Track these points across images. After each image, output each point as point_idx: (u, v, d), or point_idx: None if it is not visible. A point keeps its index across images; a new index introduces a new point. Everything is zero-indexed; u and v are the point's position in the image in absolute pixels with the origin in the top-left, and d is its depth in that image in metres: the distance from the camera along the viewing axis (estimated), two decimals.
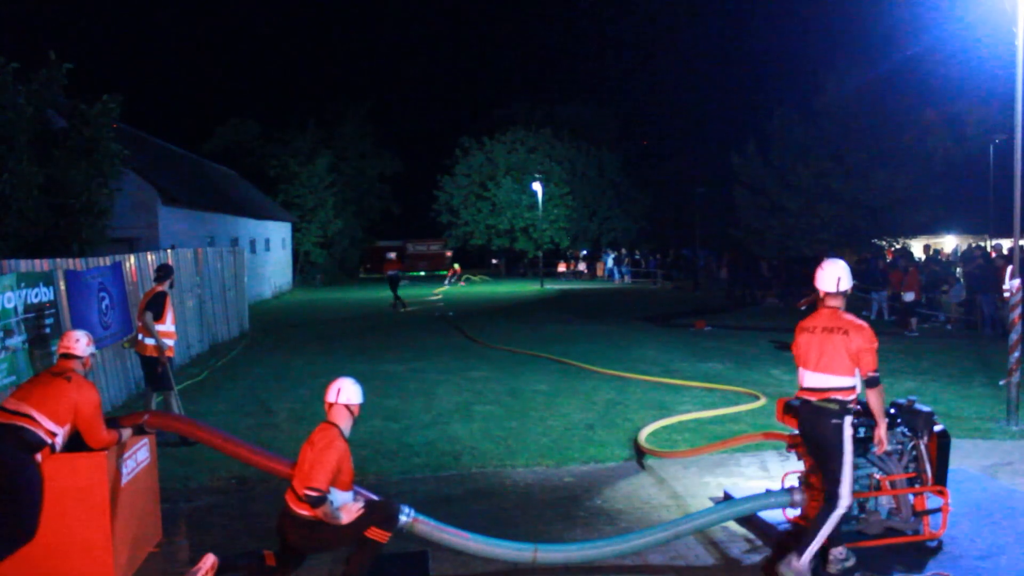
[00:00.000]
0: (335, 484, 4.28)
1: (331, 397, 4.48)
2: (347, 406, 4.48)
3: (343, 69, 74.04)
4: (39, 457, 4.41)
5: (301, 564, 4.59)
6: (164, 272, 8.45)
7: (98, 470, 4.59)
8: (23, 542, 4.32)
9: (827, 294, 4.75)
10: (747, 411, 8.84)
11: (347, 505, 4.33)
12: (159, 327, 7.99)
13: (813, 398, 4.65)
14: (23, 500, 4.29)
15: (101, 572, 4.60)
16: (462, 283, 35.85)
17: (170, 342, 8.14)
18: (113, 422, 4.94)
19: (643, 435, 7.59)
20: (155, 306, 8.04)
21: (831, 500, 4.52)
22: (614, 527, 5.50)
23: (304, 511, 4.26)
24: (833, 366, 4.57)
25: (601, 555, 4.84)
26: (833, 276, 4.70)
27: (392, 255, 24.23)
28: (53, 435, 4.47)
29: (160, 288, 8.23)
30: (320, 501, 4.14)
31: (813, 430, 4.67)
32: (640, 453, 7.19)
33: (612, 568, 4.87)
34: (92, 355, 4.91)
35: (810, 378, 4.69)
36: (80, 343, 4.84)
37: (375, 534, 4.33)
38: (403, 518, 4.55)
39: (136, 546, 4.98)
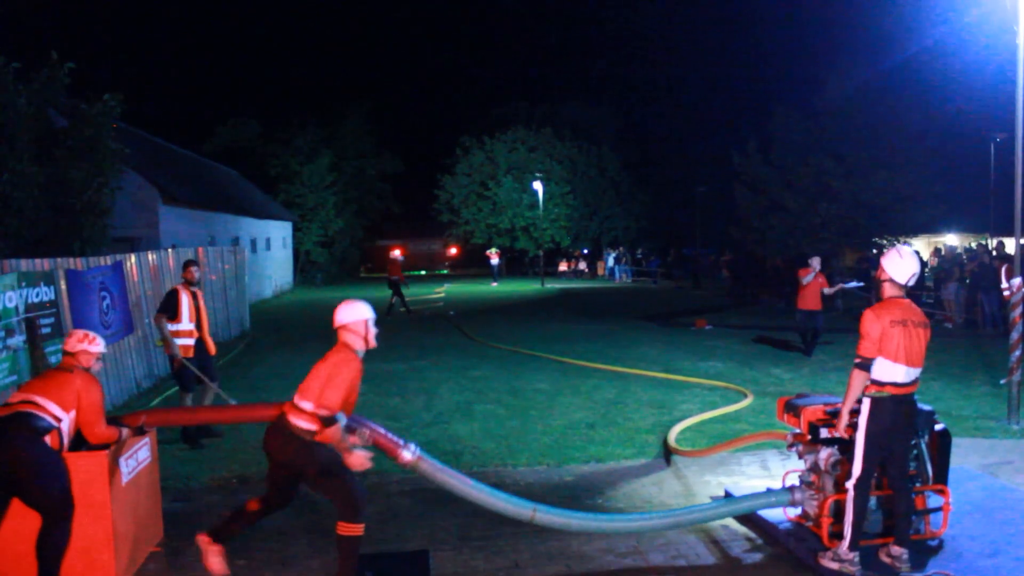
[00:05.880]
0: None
1: (338, 320, 4.54)
2: (342, 327, 4.50)
3: (343, 69, 74.07)
4: (48, 440, 4.41)
5: (288, 501, 4.56)
6: (184, 266, 8.22)
7: (99, 469, 4.60)
8: (64, 512, 4.35)
9: (891, 282, 4.67)
10: (748, 411, 8.84)
11: (360, 453, 4.34)
12: (175, 326, 7.79)
13: (906, 392, 4.59)
14: (45, 480, 4.30)
15: (102, 572, 4.60)
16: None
17: (187, 341, 7.85)
18: (115, 421, 4.94)
19: (672, 435, 7.55)
20: (167, 305, 7.86)
21: (909, 483, 4.76)
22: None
23: (301, 420, 4.25)
24: (922, 360, 4.62)
25: (598, 528, 4.89)
26: (909, 270, 4.64)
27: (398, 253, 23.53)
28: (59, 419, 4.47)
29: (177, 285, 8.08)
30: (331, 422, 4.20)
31: (908, 422, 4.68)
32: (668, 452, 7.19)
33: (612, 568, 4.87)
34: (87, 352, 4.82)
35: (910, 373, 4.57)
36: (72, 339, 4.84)
37: (345, 529, 4.30)
38: (408, 455, 4.58)
39: (137, 545, 4.98)
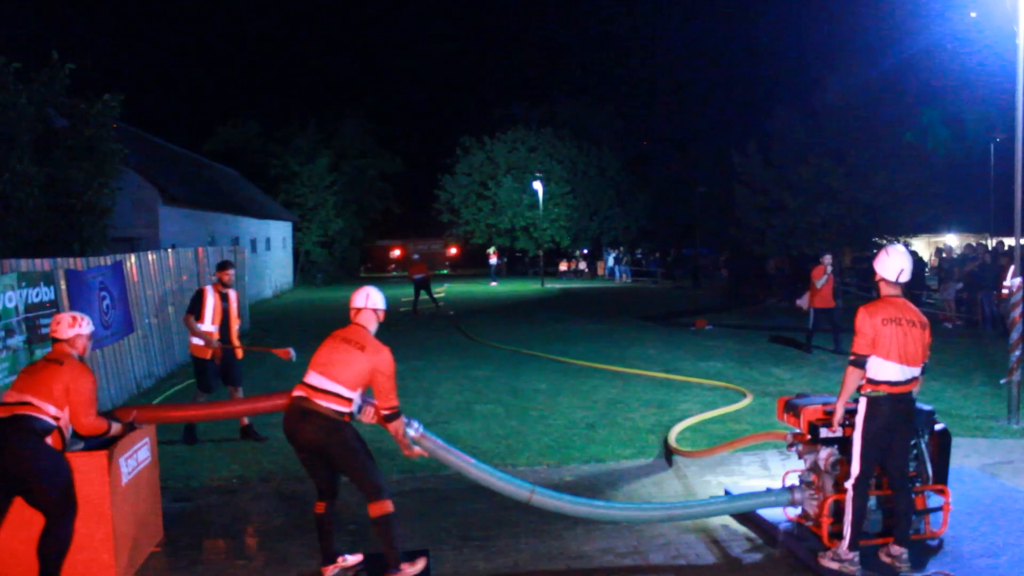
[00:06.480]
0: (361, 385, 4.51)
1: (359, 302, 4.77)
2: (374, 310, 4.78)
3: (343, 69, 74.12)
4: (49, 440, 4.38)
5: (337, 483, 4.65)
6: (220, 267, 8.21)
7: (99, 470, 4.60)
8: (66, 511, 4.36)
9: (884, 281, 4.69)
10: (748, 411, 8.84)
11: (416, 447, 4.69)
12: (199, 327, 7.80)
13: (902, 391, 4.58)
14: (49, 481, 4.30)
15: (102, 572, 4.60)
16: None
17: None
18: (108, 415, 4.88)
19: (672, 435, 7.55)
20: (192, 305, 7.87)
21: (909, 483, 4.74)
22: (614, 525, 5.50)
23: (332, 404, 4.42)
24: (919, 359, 4.59)
25: (594, 514, 4.97)
26: (897, 266, 4.63)
27: (416, 256, 24.06)
28: (56, 418, 4.43)
29: (206, 286, 8.06)
30: (396, 416, 4.54)
31: (906, 421, 4.66)
32: (668, 452, 7.19)
33: (612, 568, 4.87)
34: (80, 336, 4.69)
35: (904, 371, 4.55)
36: (62, 325, 4.65)
37: (377, 509, 4.39)
38: (411, 432, 4.71)
39: (137, 546, 4.98)
